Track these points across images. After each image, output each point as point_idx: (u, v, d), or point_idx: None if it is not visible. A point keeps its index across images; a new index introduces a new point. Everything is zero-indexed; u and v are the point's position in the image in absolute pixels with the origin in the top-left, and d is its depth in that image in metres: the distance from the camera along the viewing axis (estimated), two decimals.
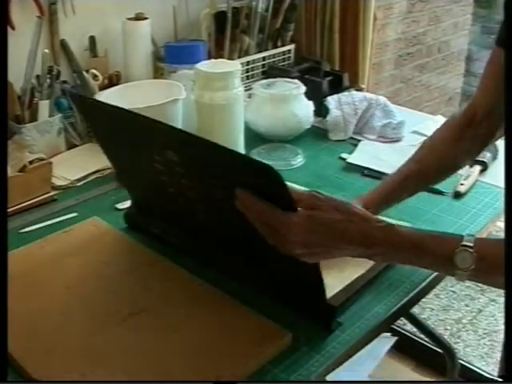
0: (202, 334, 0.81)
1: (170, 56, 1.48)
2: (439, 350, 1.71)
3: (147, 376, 0.75)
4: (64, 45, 1.40)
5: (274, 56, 1.74)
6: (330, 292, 0.86)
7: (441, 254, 0.74)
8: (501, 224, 0.99)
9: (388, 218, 1.07)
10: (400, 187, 1.02)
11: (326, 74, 1.61)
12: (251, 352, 0.79)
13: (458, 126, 1.04)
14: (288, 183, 0.73)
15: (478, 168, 1.28)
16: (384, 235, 0.76)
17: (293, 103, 1.43)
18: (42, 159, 1.22)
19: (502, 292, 0.75)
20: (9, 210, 1.11)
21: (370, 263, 0.95)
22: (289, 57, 1.78)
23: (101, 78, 1.40)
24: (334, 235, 0.75)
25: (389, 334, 1.81)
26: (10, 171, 1.16)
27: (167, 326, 0.83)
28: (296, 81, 1.48)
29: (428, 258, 0.76)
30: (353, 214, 0.77)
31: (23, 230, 1.09)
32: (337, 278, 0.89)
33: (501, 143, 1.36)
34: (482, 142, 1.04)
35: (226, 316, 0.85)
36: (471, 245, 0.72)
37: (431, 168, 1.03)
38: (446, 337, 2.00)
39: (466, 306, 2.24)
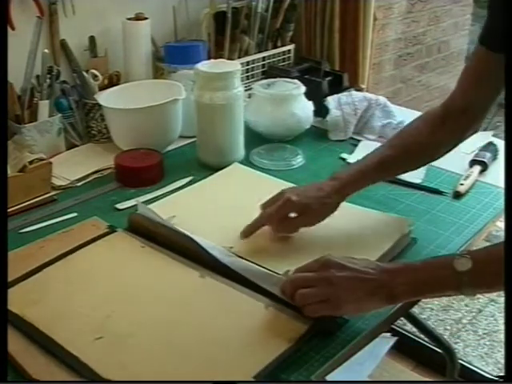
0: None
1: (170, 56, 1.48)
2: (439, 350, 1.71)
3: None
4: (64, 45, 1.40)
5: (273, 56, 1.73)
6: None
7: (443, 268, 0.80)
8: (501, 224, 0.99)
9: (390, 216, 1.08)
10: (374, 171, 1.04)
11: (326, 74, 1.61)
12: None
13: (434, 118, 1.06)
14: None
15: (477, 168, 1.28)
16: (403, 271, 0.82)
17: (293, 103, 1.42)
18: (42, 159, 1.22)
19: (501, 292, 0.75)
20: (9, 210, 1.11)
21: (378, 254, 0.95)
22: (289, 57, 1.77)
23: (101, 77, 1.40)
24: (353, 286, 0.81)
25: (389, 334, 1.81)
26: (10, 171, 1.16)
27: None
28: (296, 81, 1.48)
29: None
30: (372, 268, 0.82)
31: (23, 230, 1.09)
32: None
33: (501, 143, 1.36)
34: (456, 136, 1.07)
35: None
36: (465, 253, 0.80)
37: (405, 155, 1.06)
38: (445, 337, 2.00)
39: (466, 306, 2.24)
